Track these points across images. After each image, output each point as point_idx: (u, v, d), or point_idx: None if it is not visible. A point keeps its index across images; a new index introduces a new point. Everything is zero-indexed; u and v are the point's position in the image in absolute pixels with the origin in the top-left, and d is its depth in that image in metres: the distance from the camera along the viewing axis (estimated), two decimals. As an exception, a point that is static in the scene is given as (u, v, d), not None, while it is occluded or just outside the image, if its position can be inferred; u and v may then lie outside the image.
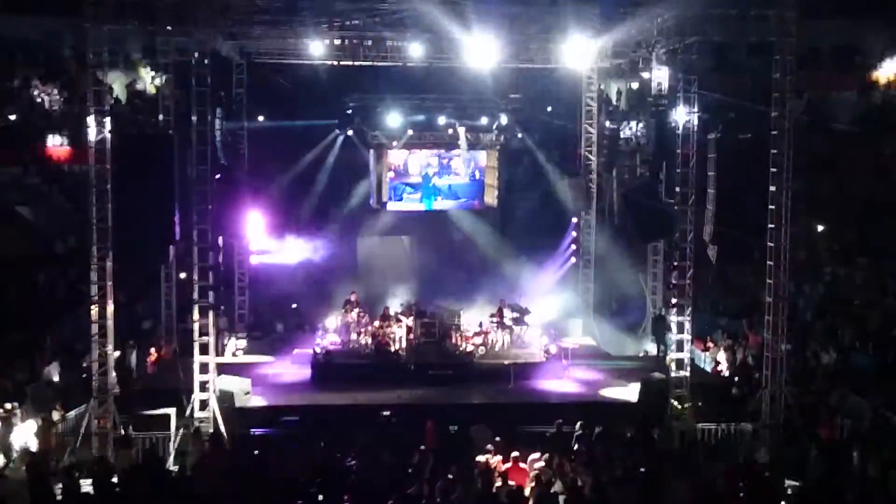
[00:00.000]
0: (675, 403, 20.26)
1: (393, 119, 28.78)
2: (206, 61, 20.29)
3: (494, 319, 24.81)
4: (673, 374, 20.78)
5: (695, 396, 20.49)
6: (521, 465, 16.06)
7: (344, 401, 21.48)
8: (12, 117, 32.35)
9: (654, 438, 18.34)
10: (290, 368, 24.14)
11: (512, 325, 24.67)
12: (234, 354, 25.46)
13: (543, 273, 28.60)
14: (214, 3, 19.50)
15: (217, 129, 23.03)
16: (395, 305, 25.26)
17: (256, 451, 17.58)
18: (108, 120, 19.03)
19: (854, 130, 33.36)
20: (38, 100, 32.63)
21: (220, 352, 23.18)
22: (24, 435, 18.25)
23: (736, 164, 20.14)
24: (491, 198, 31.31)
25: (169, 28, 19.63)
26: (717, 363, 24.44)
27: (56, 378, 21.68)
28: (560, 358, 23.75)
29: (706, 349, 25.05)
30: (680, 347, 20.87)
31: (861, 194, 30.80)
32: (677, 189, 21.05)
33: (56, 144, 31.31)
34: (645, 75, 25.43)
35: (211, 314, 20.10)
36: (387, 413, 20.20)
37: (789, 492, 15.54)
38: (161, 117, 23.27)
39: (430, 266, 29.23)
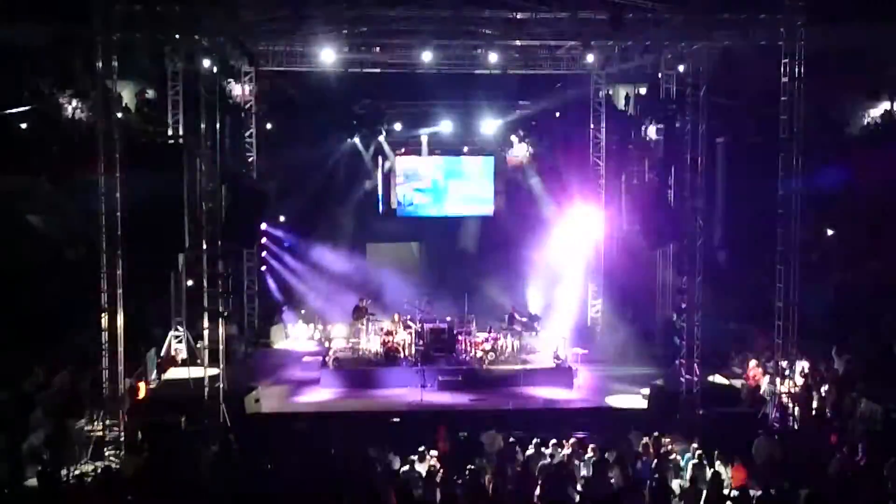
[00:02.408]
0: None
1: (401, 125, 28.78)
2: (214, 69, 20.36)
3: (504, 325, 24.79)
4: (683, 380, 20.73)
5: (704, 402, 20.42)
6: (531, 470, 16.06)
7: (353, 407, 21.50)
8: (23, 126, 32.45)
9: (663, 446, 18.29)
10: (300, 374, 24.14)
11: (521, 332, 24.63)
12: (247, 355, 25.51)
13: (552, 278, 28.53)
14: (223, 11, 19.56)
15: (225, 136, 23.08)
16: (404, 311, 25.23)
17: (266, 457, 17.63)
18: (116, 128, 19.09)
19: (863, 134, 33.26)
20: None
21: (231, 358, 23.21)
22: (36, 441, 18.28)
23: (745, 168, 20.08)
24: (499, 203, 31.34)
25: (178, 36, 19.65)
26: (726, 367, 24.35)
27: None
28: (569, 364, 23.70)
29: (717, 356, 24.94)
30: (690, 353, 20.80)
31: (871, 197, 30.67)
32: (686, 194, 21.03)
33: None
34: (653, 80, 25.45)
35: (220, 321, 20.13)
36: (396, 419, 20.20)
37: (802, 496, 15.49)
38: (170, 125, 23.34)
39: (439, 272, 29.20)
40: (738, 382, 22.66)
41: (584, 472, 16.50)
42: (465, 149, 30.69)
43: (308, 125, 30.75)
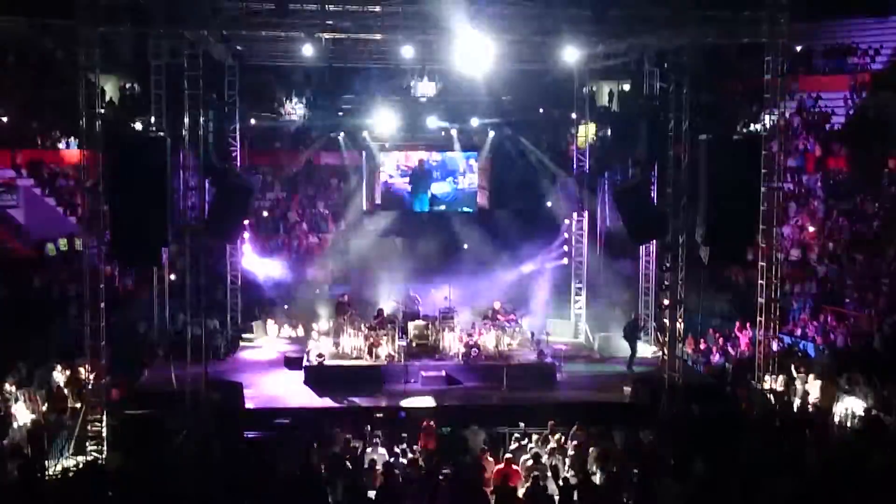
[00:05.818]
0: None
1: (385, 121, 28.74)
2: (198, 63, 20.29)
3: (487, 321, 24.82)
4: (665, 375, 20.80)
5: (686, 397, 20.50)
6: (514, 466, 16.09)
7: (336, 403, 21.48)
8: (4, 119, 32.33)
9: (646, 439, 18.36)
10: (283, 370, 24.09)
11: (504, 327, 24.67)
12: (227, 354, 25.41)
13: (536, 274, 28.61)
14: (206, 5, 19.49)
15: (209, 130, 23.01)
16: (388, 307, 25.22)
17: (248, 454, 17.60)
18: (99, 122, 18.99)
19: (845, 131, 33.47)
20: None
21: (213, 353, 23.16)
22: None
23: (727, 165, 20.13)
24: (483, 199, 31.40)
25: (161, 30, 19.57)
26: (709, 362, 24.48)
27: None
28: (552, 359, 23.75)
29: (698, 349, 25.08)
30: (673, 347, 20.87)
31: (852, 194, 30.92)
32: (669, 190, 21.10)
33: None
34: (637, 77, 25.50)
35: (203, 316, 20.08)
36: (379, 415, 20.20)
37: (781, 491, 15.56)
38: (153, 119, 23.25)
39: (422, 267, 29.23)
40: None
41: (566, 468, 16.54)
42: (450, 144, 30.68)
43: (291, 120, 30.76)
